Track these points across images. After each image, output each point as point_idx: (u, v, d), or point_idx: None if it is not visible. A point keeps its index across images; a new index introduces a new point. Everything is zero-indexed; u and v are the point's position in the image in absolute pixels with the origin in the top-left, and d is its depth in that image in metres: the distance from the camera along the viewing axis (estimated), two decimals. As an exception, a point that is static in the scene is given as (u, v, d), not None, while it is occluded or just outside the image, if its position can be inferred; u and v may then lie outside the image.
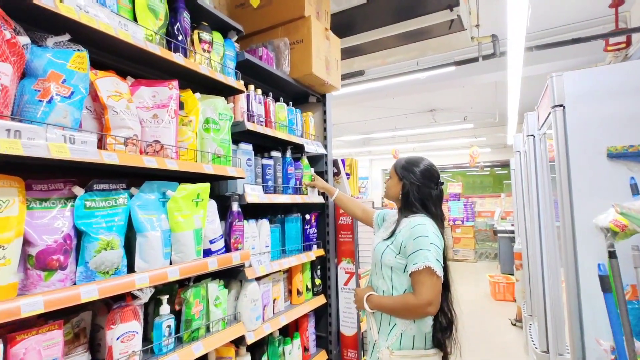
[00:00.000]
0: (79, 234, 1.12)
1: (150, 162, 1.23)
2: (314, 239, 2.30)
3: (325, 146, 2.41)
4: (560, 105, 1.90)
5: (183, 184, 1.41)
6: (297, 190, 2.16)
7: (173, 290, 1.49)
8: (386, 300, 1.44)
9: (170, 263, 1.37)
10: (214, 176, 1.62)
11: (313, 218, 2.31)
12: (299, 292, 2.14)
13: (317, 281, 2.32)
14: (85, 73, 1.09)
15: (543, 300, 2.86)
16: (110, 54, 1.35)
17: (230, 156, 1.64)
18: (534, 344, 3.15)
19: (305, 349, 2.19)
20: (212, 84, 1.64)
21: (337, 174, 2.54)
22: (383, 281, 1.49)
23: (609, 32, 3.07)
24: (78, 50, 1.08)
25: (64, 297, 0.98)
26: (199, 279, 1.56)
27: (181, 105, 1.49)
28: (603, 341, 1.67)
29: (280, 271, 2.02)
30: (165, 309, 1.32)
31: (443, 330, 1.45)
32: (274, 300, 1.94)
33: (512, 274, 6.28)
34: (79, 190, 1.12)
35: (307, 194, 2.21)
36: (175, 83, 1.40)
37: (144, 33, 1.27)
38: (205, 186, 1.48)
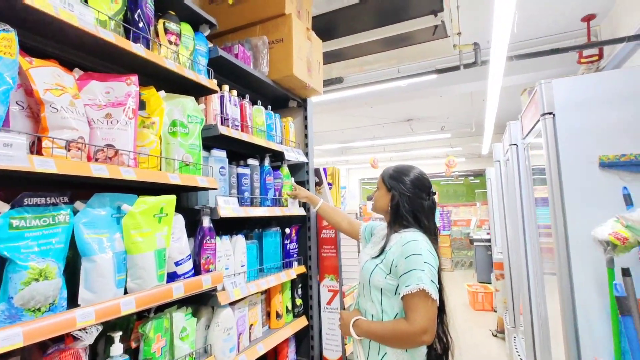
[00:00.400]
0: (2, 261, 0.89)
1: (99, 170, 1.01)
2: (295, 255, 2.11)
3: (306, 154, 2.24)
4: (550, 113, 1.84)
5: (143, 197, 1.19)
6: (277, 202, 1.97)
7: (129, 323, 1.26)
8: (375, 327, 1.28)
9: (126, 292, 1.14)
10: (182, 187, 1.41)
11: (294, 232, 2.12)
12: (278, 315, 1.93)
13: (298, 301, 2.12)
14: (12, 59, 0.87)
15: (530, 313, 2.79)
16: (52, 41, 1.12)
17: (200, 164, 1.44)
18: (521, 358, 3.08)
19: (285, 378, 1.97)
20: (180, 81, 1.44)
21: (318, 183, 2.37)
22: (372, 304, 1.33)
23: (586, 44, 3.13)
24: (3, 30, 0.86)
25: (-29, 348, 0.74)
26: (162, 308, 1.33)
27: (142, 105, 1.28)
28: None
29: (257, 293, 1.80)
30: (117, 349, 1.09)
31: (438, 358, 1.31)
32: (251, 326, 1.73)
33: (489, 283, 6.32)
34: (2, 206, 0.88)
35: (287, 206, 2.03)
36: (134, 78, 1.20)
37: (94, 16, 1.06)
38: (170, 199, 1.27)
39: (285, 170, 2.07)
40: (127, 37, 1.20)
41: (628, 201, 1.61)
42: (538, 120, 1.92)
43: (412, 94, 4.51)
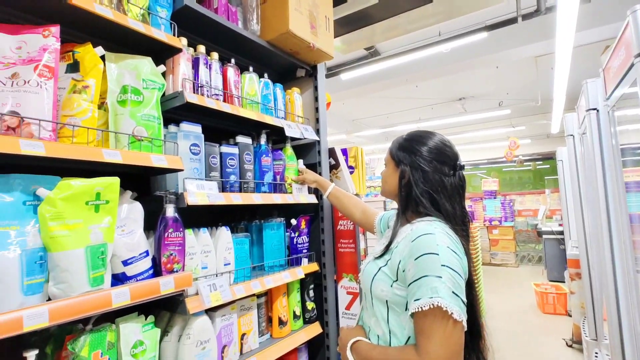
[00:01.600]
0: None
1: (-18, 142, 0.76)
2: (305, 251, 1.78)
3: (317, 131, 1.88)
4: (650, 51, 1.27)
5: (68, 179, 0.93)
6: (276, 188, 1.65)
7: (63, 336, 1.02)
8: (377, 355, 0.91)
9: (49, 299, 0.90)
10: (135, 168, 1.14)
11: (303, 223, 1.79)
12: (281, 322, 1.62)
13: (310, 305, 1.79)
14: None
15: (618, 325, 2.16)
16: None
17: (160, 139, 1.16)
18: (605, 381, 2.44)
19: (295, 396, 1.67)
20: (132, 39, 1.16)
21: (335, 166, 2.00)
22: (376, 321, 0.97)
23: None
24: None
25: None
26: (112, 316, 1.08)
27: (75, 66, 1.03)
28: None
29: (251, 296, 1.51)
30: (29, 373, 0.85)
31: None
32: (242, 336, 1.44)
33: (562, 282, 5.43)
34: None
35: (290, 192, 1.69)
36: (54, 29, 0.94)
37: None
38: (111, 181, 1.01)
39: (289, 150, 1.74)
40: (43, -24, 0.94)
41: None
42: (631, 66, 1.36)
43: (460, 64, 3.86)
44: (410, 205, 0.98)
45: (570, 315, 4.15)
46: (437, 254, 0.82)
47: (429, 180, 0.96)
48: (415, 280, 0.83)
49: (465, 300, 0.83)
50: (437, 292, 0.79)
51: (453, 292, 0.80)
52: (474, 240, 3.94)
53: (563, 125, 3.49)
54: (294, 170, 1.73)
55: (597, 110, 2.22)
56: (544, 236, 6.45)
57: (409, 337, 0.91)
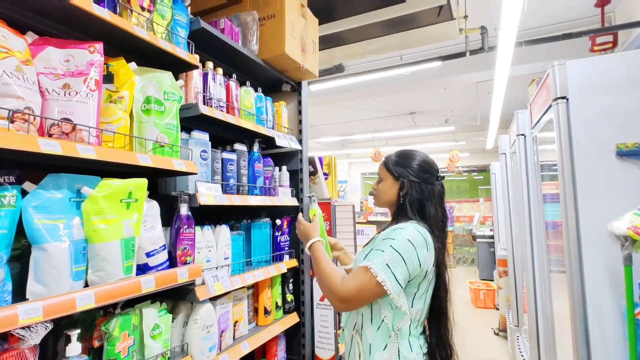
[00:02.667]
0: None
1: (50, 146, 0.88)
2: (286, 248, 1.98)
3: (300, 141, 2.11)
4: (564, 98, 1.70)
5: (107, 179, 1.06)
6: (266, 191, 1.84)
7: (94, 319, 1.14)
8: (322, 262, 1.18)
9: (87, 285, 1.02)
10: (157, 171, 1.28)
11: (285, 223, 1.99)
12: (266, 311, 1.81)
13: (289, 297, 2.00)
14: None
15: (535, 312, 2.66)
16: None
17: (178, 146, 1.31)
18: (524, 358, 2.95)
19: (274, 378, 1.86)
20: (156, 55, 1.30)
21: (313, 173, 2.24)
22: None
23: (601, 28, 2.95)
24: None
25: None
26: (132, 303, 1.20)
27: (110, 77, 1.15)
28: (616, 365, 1.46)
29: (243, 287, 1.68)
30: (74, 348, 0.96)
31: None
32: (235, 323, 1.61)
33: (492, 280, 6.18)
34: None
35: (277, 195, 1.89)
36: (98, 46, 1.06)
37: (46, -31, 0.93)
38: (141, 182, 1.14)
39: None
40: (92, -1, 1.06)
41: (648, 193, 1.48)
42: (550, 107, 1.77)
43: (415, 84, 4.34)
44: (404, 210, 1.22)
45: (498, 309, 4.79)
46: (394, 239, 1.09)
47: (422, 190, 1.22)
48: (372, 251, 1.12)
49: (399, 277, 1.05)
50: (374, 260, 1.07)
51: (387, 264, 1.06)
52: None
53: (497, 142, 4.10)
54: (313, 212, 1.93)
55: (525, 136, 2.72)
56: (478, 240, 7.25)
57: (390, 321, 1.12)
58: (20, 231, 0.89)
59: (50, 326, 0.88)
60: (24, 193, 0.92)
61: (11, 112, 0.84)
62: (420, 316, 1.17)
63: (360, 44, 3.09)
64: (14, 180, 0.90)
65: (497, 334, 4.32)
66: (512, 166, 3.45)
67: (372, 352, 1.13)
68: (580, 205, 1.60)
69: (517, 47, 2.83)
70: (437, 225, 1.20)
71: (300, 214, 1.48)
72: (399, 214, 1.24)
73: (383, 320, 1.13)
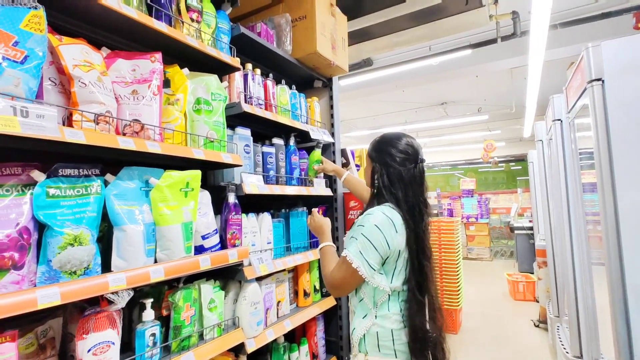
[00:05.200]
0: (41, 227, 0.95)
1: (126, 143, 1.05)
2: (322, 235, 2.10)
3: (332, 134, 2.21)
4: (599, 80, 1.67)
5: (169, 171, 1.23)
6: (303, 182, 1.96)
7: (161, 293, 1.32)
8: (325, 259, 1.29)
9: (155, 262, 1.19)
10: (206, 163, 1.44)
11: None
12: (305, 294, 1.94)
13: (326, 281, 2.12)
14: (42, 35, 0.91)
15: (575, 301, 2.61)
16: (79, 21, 1.17)
17: (225, 141, 1.46)
18: (564, 348, 2.89)
19: (314, 356, 1.99)
20: (203, 59, 1.45)
21: (345, 164, 2.34)
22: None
23: (643, 5, 2.79)
24: (33, 7, 0.90)
25: (14, 302, 0.80)
26: (190, 280, 1.37)
27: (167, 83, 1.32)
28: (657, 348, 1.44)
29: (284, 270, 1.82)
30: (148, 314, 1.14)
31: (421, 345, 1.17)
32: (278, 302, 1.75)
33: (531, 273, 5.99)
34: (39, 176, 0.94)
35: (313, 186, 2.02)
36: (158, 55, 1.22)
37: (117, -7, 1.09)
38: (196, 173, 1.30)
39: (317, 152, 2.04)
40: (150, 14, 1.22)
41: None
42: (585, 90, 1.75)
43: (446, 73, 4.29)
44: (379, 193, 1.24)
45: (538, 302, 4.66)
46: (363, 226, 1.15)
47: (391, 173, 1.21)
48: (350, 238, 1.19)
49: (371, 262, 1.12)
50: (350, 249, 1.15)
51: (360, 252, 1.13)
52: (454, 234, 4.36)
53: (534, 130, 3.98)
54: (315, 161, 2.02)
55: (561, 121, 2.66)
56: (516, 232, 7.01)
57: (373, 299, 1.17)
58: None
59: (132, 293, 1.05)
60: (105, 184, 1.10)
61: (96, 115, 1.01)
62: (402, 288, 1.19)
63: (388, 37, 3.14)
64: (98, 172, 1.08)
65: (537, 326, 4.22)
66: (549, 154, 3.35)
67: (357, 316, 1.22)
68: (619, 192, 1.56)
69: (551, 30, 2.75)
70: (411, 209, 1.19)
71: (315, 209, 1.55)
72: (375, 197, 1.26)
73: (362, 298, 1.21)
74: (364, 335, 1.17)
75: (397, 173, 1.21)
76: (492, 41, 3.10)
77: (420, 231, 1.20)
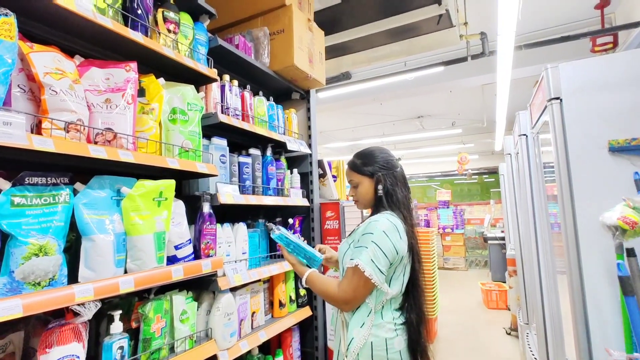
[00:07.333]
0: (4, 237, 0.92)
1: (97, 151, 1.04)
2: (298, 246, 2.11)
3: (309, 145, 2.25)
4: (557, 98, 1.79)
5: (142, 181, 1.22)
6: (279, 192, 1.98)
7: (131, 304, 1.29)
8: (318, 280, 1.29)
9: (126, 272, 1.17)
10: (181, 173, 1.43)
11: (297, 222, 2.13)
12: (281, 304, 1.94)
13: (302, 291, 2.13)
14: (12, 42, 0.90)
15: (541, 308, 2.72)
16: (53, 29, 1.16)
17: (200, 151, 1.46)
18: (533, 354, 2.99)
19: (289, 368, 1.98)
20: (180, 70, 1.46)
21: (322, 175, 2.37)
22: None
23: (598, 30, 3.03)
24: (4, 14, 0.89)
25: (-28, 315, 0.77)
26: (163, 290, 1.35)
27: (142, 92, 1.31)
28: (613, 351, 1.53)
29: (259, 281, 1.82)
30: (117, 327, 1.11)
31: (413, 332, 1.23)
32: (253, 313, 1.74)
33: (504, 282, 6.17)
34: (3, 184, 0.92)
35: (289, 196, 2.03)
36: (133, 65, 1.23)
37: (92, 3, 1.09)
38: (170, 183, 1.30)
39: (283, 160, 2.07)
40: (126, 25, 1.23)
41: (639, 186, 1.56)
42: (545, 107, 1.87)
43: (421, 88, 4.46)
44: (381, 202, 1.29)
45: (510, 310, 4.81)
46: (372, 233, 1.19)
47: (393, 177, 1.30)
48: (356, 247, 1.21)
49: (382, 268, 1.15)
50: (361, 257, 1.16)
51: (372, 259, 1.15)
52: (430, 244, 4.45)
53: (504, 144, 4.17)
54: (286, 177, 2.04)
55: (526, 136, 2.81)
56: (489, 242, 7.24)
57: (367, 300, 1.21)
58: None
59: (99, 305, 1.03)
60: (74, 193, 1.08)
61: (67, 123, 1.00)
62: (397, 295, 1.24)
63: (366, 52, 3.24)
64: (67, 181, 1.06)
65: (509, 334, 4.34)
66: (517, 167, 3.51)
67: (352, 326, 1.21)
68: (577, 202, 1.66)
69: (517, 51, 2.93)
70: (407, 206, 1.30)
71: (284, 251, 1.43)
72: (377, 208, 1.32)
73: (360, 307, 1.22)
74: (364, 345, 1.18)
75: (395, 175, 1.32)
76: (463, 59, 3.26)
77: (414, 235, 1.28)
